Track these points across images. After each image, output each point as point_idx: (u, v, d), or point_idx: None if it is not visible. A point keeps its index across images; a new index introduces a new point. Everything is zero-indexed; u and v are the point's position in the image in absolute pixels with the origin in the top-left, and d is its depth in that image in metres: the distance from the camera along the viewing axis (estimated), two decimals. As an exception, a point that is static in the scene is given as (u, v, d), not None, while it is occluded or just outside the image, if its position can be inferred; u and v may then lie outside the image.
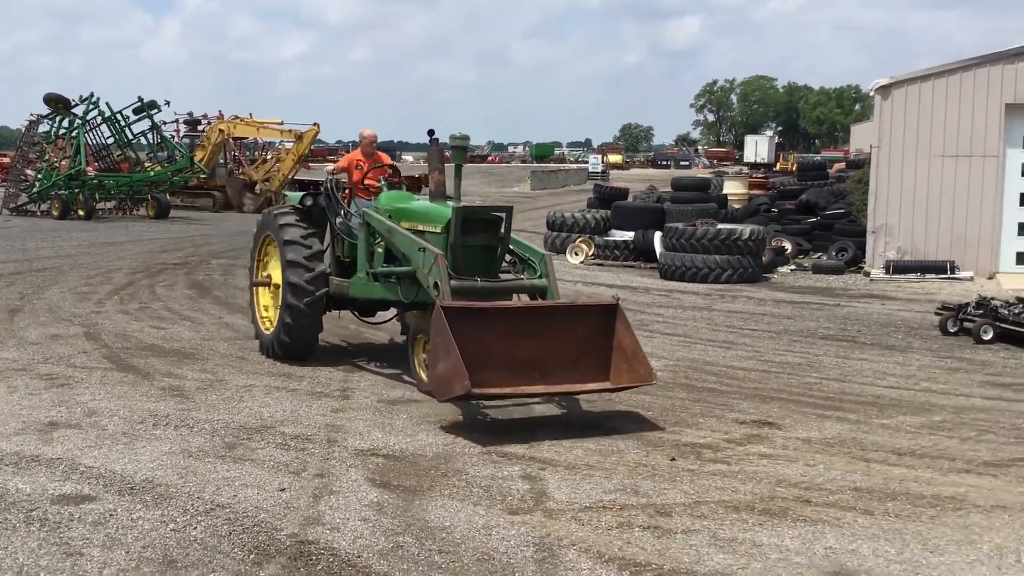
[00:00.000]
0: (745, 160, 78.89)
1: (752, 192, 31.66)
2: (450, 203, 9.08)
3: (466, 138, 9.14)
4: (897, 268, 17.89)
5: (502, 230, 8.76)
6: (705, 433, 7.71)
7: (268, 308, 10.70)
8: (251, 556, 5.10)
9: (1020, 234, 18.20)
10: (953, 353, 11.20)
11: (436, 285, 8.13)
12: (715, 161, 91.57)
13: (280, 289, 10.15)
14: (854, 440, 7.56)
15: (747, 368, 10.33)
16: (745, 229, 18.18)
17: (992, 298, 12.40)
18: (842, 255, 19.37)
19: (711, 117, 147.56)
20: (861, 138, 55.17)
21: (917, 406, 8.72)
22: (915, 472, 6.79)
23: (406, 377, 9.59)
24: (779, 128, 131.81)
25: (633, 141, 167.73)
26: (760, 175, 44.48)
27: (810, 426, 7.96)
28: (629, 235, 21.00)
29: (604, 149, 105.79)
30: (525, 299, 8.74)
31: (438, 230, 8.73)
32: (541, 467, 6.73)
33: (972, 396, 9.16)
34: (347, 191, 10.46)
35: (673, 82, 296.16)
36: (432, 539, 5.39)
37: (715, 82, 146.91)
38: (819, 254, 20.41)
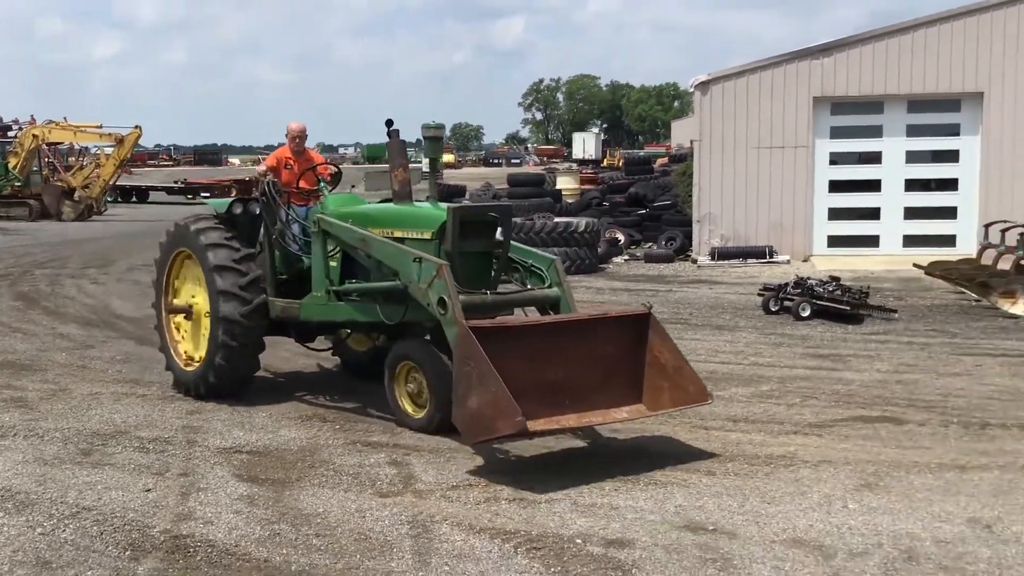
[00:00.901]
0: (574, 157, 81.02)
1: (583, 187, 32.69)
2: (423, 204, 8.03)
3: (441, 127, 7.95)
4: (721, 254, 18.97)
5: (499, 234, 7.74)
6: (558, 413, 8.10)
7: (184, 338, 9.02)
8: (127, 553, 5.11)
9: (830, 219, 19.64)
10: (776, 330, 12.05)
11: (442, 301, 6.83)
12: (545, 158, 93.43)
13: (202, 318, 8.66)
14: (693, 412, 8.10)
15: (591, 352, 10.82)
16: (581, 222, 18.85)
17: (808, 278, 13.38)
18: (671, 244, 20.35)
19: (539, 115, 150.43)
20: (682, 133, 57.45)
21: (748, 378, 9.41)
22: (749, 436, 7.38)
23: (261, 378, 9.59)
24: (604, 125, 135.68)
25: (464, 140, 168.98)
26: (590, 171, 45.89)
27: (654, 401, 8.47)
28: (468, 231, 21.36)
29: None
30: (532, 313, 7.80)
31: (427, 236, 7.51)
32: (406, 453, 6.94)
33: (795, 367, 9.94)
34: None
35: (501, 81, 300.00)
36: (308, 524, 5.53)
37: (541, 81, 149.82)
38: (650, 244, 21.37)
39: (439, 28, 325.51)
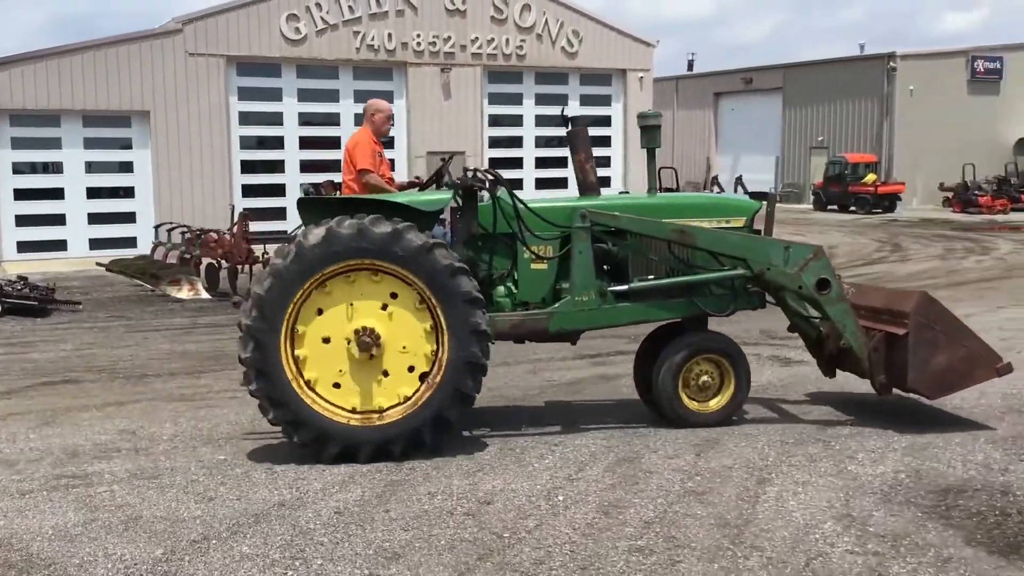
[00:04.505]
0: None
1: None
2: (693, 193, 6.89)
3: (659, 116, 7.81)
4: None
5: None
6: None
7: (342, 381, 6.63)
8: None
9: (19, 225, 20.74)
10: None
11: (824, 282, 7.29)
12: None
13: (394, 348, 6.63)
14: None
15: None
16: None
17: None
18: None
19: None
20: None
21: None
22: None
23: None
24: None
25: None
26: None
27: None
28: None
29: None
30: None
31: (740, 224, 7.60)
32: None
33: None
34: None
35: None
36: None
37: None
38: None
39: None
